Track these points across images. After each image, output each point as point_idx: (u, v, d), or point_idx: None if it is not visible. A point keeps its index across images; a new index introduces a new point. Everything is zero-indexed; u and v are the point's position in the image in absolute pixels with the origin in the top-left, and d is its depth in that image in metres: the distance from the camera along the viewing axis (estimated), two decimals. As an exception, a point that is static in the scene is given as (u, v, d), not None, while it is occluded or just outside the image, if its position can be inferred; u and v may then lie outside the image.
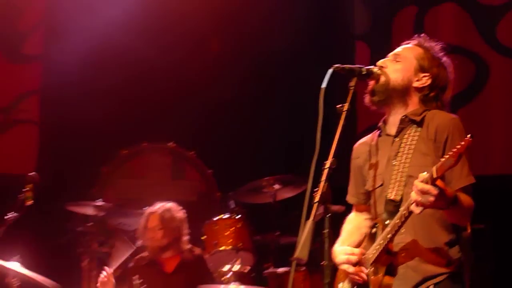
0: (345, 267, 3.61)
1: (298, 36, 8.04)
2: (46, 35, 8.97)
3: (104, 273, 5.93)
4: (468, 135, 3.15)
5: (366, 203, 3.77)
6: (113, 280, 5.91)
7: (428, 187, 3.09)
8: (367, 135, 3.86)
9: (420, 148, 3.52)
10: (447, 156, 3.15)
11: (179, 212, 6.14)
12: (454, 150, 3.14)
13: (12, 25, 9.09)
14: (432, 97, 3.69)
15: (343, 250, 3.64)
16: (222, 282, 5.94)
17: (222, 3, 8.05)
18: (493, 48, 7.73)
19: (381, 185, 3.59)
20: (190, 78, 8.21)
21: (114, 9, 7.93)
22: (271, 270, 6.71)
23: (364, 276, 3.54)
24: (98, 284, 5.89)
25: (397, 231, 3.38)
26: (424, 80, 3.69)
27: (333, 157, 3.16)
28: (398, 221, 3.35)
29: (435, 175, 3.13)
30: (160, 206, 6.13)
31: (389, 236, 3.40)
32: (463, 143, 3.15)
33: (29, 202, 5.98)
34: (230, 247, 6.56)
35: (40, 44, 9.00)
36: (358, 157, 3.81)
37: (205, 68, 8.24)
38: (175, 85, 8.27)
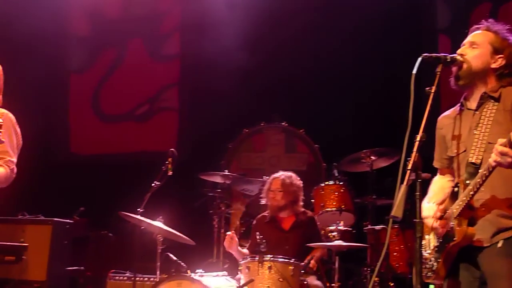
0: (430, 221, 3.67)
1: (390, 30, 7.93)
2: (182, 37, 9.13)
3: (229, 232, 6.04)
4: None
5: (449, 167, 3.80)
6: (236, 239, 6.00)
7: (507, 149, 3.18)
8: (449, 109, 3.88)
9: (498, 119, 3.51)
10: None
11: (297, 180, 6.21)
12: None
13: (155, 30, 9.33)
14: (506, 74, 3.66)
15: (429, 207, 3.71)
16: (329, 239, 5.93)
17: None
18: None
19: (464, 151, 3.61)
20: (299, 66, 8.20)
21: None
22: (369, 227, 6.71)
23: (448, 227, 3.57)
24: (225, 241, 6.00)
25: (478, 189, 3.42)
26: (499, 61, 3.66)
27: (423, 132, 3.20)
28: (479, 180, 3.39)
29: None
30: (282, 173, 6.22)
31: (471, 193, 3.44)
32: None
33: (170, 173, 6.17)
34: (334, 208, 6.68)
35: (177, 45, 9.18)
36: (441, 128, 3.85)
37: (313, 56, 8.25)
38: (288, 72, 8.27)
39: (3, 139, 3.98)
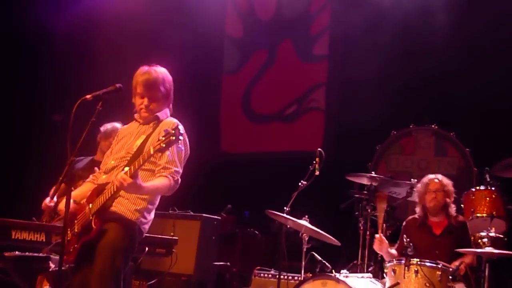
0: None
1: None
2: (331, 38, 9.11)
3: (377, 234, 5.96)
4: None
5: None
6: (386, 240, 5.92)
7: None
8: None
9: None
10: None
11: (451, 185, 6.06)
12: None
13: (304, 31, 9.37)
14: None
15: None
16: (479, 246, 5.72)
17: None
18: None
19: None
20: (451, 66, 7.99)
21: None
22: (524, 236, 6.43)
23: None
24: (374, 244, 5.93)
25: None
26: None
27: None
28: None
29: None
30: (437, 176, 6.08)
31: None
32: None
33: (317, 173, 6.18)
34: (485, 214, 6.38)
35: (326, 46, 9.17)
36: None
37: (466, 56, 7.97)
38: (439, 73, 8.08)
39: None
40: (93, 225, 4.27)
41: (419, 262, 5.20)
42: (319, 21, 9.28)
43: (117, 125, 5.72)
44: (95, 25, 9.29)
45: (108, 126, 4.87)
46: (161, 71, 4.60)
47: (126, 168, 4.15)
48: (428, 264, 5.21)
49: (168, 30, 8.78)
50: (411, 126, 8.05)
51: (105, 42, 9.09)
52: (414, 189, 6.39)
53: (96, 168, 4.90)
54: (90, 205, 4.35)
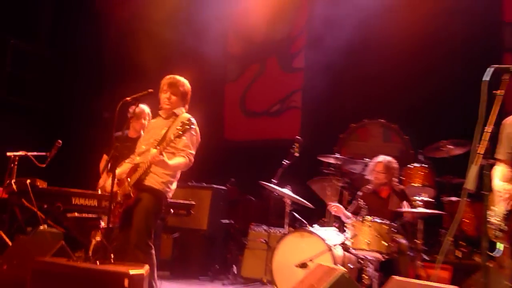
0: (502, 193, 3.57)
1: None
2: (306, 54, 9.11)
3: (331, 203, 5.99)
4: None
5: (508, 159, 3.65)
6: (340, 206, 5.93)
7: None
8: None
9: None
10: None
11: (395, 163, 6.05)
12: None
13: (287, 50, 9.37)
14: None
15: (502, 184, 3.63)
16: (414, 207, 5.76)
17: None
18: None
19: None
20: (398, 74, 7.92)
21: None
22: (446, 199, 6.49)
23: None
24: (331, 209, 5.95)
25: None
26: None
27: (493, 125, 3.09)
28: None
29: None
30: (384, 158, 6.07)
31: None
32: None
33: (296, 154, 6.18)
34: (419, 184, 6.42)
35: (302, 61, 9.18)
36: (508, 129, 3.61)
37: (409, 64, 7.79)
38: (390, 78, 7.96)
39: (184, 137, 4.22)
40: (131, 194, 4.34)
41: (371, 219, 5.23)
42: (297, 43, 9.26)
43: (144, 107, 5.62)
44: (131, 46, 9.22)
45: (137, 108, 4.87)
46: (182, 78, 4.70)
47: (155, 150, 4.22)
48: (378, 220, 5.23)
49: (184, 50, 8.74)
50: (365, 120, 8.04)
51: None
52: (367, 166, 6.32)
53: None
54: (129, 179, 4.41)
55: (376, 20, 7.88)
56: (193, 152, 4.48)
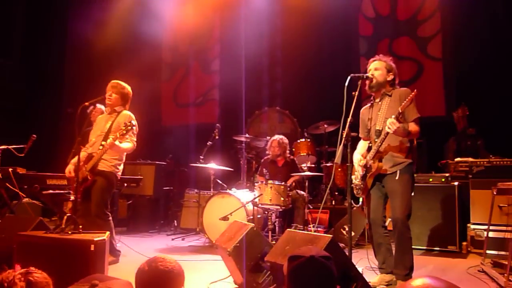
0: (358, 161, 3.71)
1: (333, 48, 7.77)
2: (220, 61, 8.99)
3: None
4: (414, 91, 3.32)
5: (366, 136, 3.76)
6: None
7: (394, 121, 3.25)
8: (366, 104, 3.81)
9: (391, 106, 3.51)
10: (405, 101, 3.30)
11: (286, 140, 6.19)
12: (408, 98, 3.28)
13: (205, 57, 9.22)
14: (393, 83, 3.65)
15: (359, 156, 3.75)
16: (302, 170, 5.96)
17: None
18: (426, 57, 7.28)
19: (374, 124, 3.61)
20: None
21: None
22: (324, 164, 6.75)
23: (368, 165, 3.61)
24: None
25: (382, 142, 3.50)
26: (391, 77, 3.64)
27: (351, 116, 3.16)
28: (383, 136, 3.48)
29: (400, 111, 3.29)
30: (278, 136, 6.19)
31: (379, 144, 3.52)
32: (412, 94, 3.29)
33: (217, 137, 6.16)
34: (305, 153, 6.61)
35: (217, 65, 9.09)
36: (363, 114, 3.82)
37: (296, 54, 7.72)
38: (285, 71, 8.00)
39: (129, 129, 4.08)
40: (88, 177, 4.22)
41: (272, 182, 5.31)
42: (214, 51, 9.10)
43: (101, 106, 5.38)
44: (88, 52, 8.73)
45: (94, 108, 4.86)
46: (123, 82, 4.57)
47: (110, 139, 4.10)
48: (276, 183, 5.31)
49: (128, 59, 8.36)
50: (265, 108, 8.02)
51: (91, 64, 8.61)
52: (267, 142, 6.41)
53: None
54: (86, 166, 4.28)
55: (269, 32, 8.03)
56: (135, 139, 4.44)
